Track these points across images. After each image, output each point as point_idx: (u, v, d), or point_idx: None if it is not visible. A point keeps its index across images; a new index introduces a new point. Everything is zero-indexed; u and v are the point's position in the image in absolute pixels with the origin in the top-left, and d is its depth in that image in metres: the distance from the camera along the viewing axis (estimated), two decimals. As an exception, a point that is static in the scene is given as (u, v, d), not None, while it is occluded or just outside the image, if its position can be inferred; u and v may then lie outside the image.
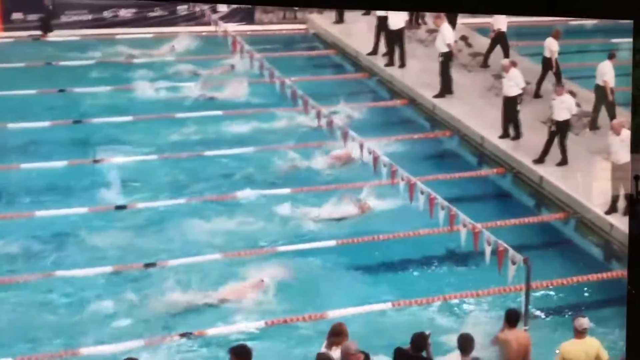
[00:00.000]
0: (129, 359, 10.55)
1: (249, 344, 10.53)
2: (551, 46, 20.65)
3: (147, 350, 12.67)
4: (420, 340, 10.59)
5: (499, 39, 22.28)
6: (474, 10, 20.64)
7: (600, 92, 18.77)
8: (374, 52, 23.68)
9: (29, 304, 13.67)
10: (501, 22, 22.28)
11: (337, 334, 10.69)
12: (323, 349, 10.65)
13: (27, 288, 13.98)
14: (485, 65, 23.25)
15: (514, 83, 18.44)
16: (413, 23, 24.82)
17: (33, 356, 12.49)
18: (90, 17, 25.90)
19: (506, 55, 21.56)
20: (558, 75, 20.85)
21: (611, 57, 19.00)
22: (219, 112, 20.20)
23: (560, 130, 17.28)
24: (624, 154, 15.42)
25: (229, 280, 14.24)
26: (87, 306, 13.66)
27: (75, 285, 14.14)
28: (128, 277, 14.34)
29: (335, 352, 10.44)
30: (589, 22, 25.31)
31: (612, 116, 18.76)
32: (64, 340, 12.92)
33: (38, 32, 25.02)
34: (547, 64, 20.71)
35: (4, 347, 12.60)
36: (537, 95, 20.69)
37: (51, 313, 13.55)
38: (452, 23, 22.26)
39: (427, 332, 10.71)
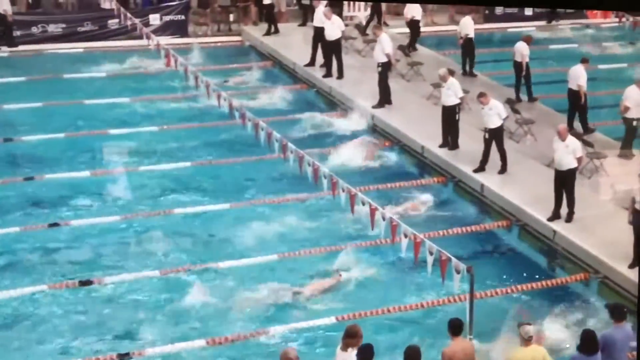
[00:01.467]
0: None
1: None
2: (522, 50, 20.93)
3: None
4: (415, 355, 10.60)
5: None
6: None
7: (574, 96, 19.06)
8: (312, 63, 23.70)
9: None
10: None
11: (352, 335, 10.63)
12: (338, 351, 10.59)
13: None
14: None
15: (452, 92, 18.52)
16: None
17: None
18: (19, 32, 25.65)
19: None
20: (528, 79, 21.14)
21: (584, 61, 19.30)
22: (154, 128, 20.07)
23: (494, 137, 17.37)
24: (569, 160, 15.53)
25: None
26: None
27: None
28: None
29: (351, 354, 10.41)
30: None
31: (583, 121, 19.07)
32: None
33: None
34: (518, 68, 21.00)
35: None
36: (531, 99, 21.09)
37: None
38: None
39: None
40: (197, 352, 12.68)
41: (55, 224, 15.86)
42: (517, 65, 21.06)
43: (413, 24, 25.01)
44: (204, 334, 13.03)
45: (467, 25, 22.85)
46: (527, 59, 20.98)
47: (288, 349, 10.45)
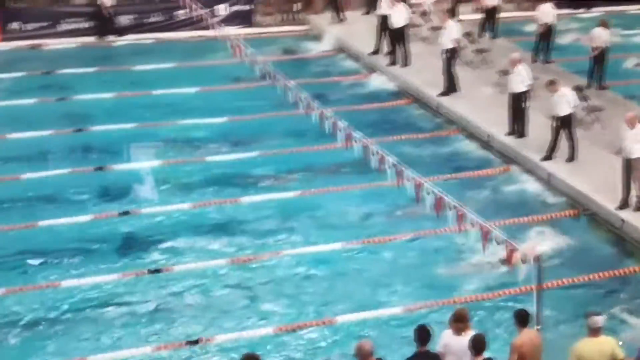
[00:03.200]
0: None
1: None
2: (601, 36, 20.62)
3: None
4: (425, 334, 10.49)
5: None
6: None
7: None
8: (377, 51, 23.59)
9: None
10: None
11: (462, 319, 10.53)
12: (448, 335, 10.49)
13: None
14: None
15: (520, 79, 18.27)
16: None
17: None
18: (87, 24, 25.95)
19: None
20: (602, 66, 20.79)
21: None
22: (224, 119, 20.13)
23: (563, 125, 17.13)
24: (637, 148, 15.25)
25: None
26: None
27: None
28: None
29: (463, 339, 10.32)
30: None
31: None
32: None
33: (36, 42, 25.12)
34: (599, 54, 20.67)
35: None
36: (602, 86, 20.78)
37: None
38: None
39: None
40: (268, 340, 12.68)
41: (126, 212, 15.98)
42: (597, 51, 20.67)
43: (490, 11, 24.69)
44: (275, 322, 13.06)
45: (547, 13, 22.54)
46: (605, 45, 20.61)
47: (363, 342, 10.39)
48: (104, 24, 25.82)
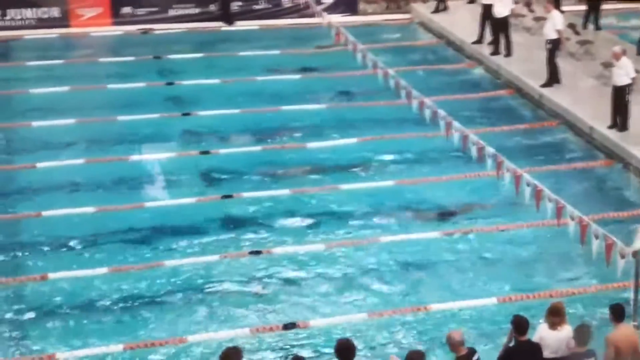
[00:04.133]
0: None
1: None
2: None
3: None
4: (525, 324, 10.38)
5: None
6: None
7: None
8: (479, 41, 23.34)
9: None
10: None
11: (558, 313, 10.47)
12: (544, 329, 10.43)
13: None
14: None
15: (624, 72, 17.86)
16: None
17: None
18: (197, 10, 26.26)
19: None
20: None
21: None
22: (324, 106, 20.15)
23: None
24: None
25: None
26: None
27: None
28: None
29: (562, 333, 10.26)
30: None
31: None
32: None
33: (146, 27, 25.54)
34: None
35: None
36: None
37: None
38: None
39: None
40: (363, 325, 12.71)
41: (229, 196, 16.16)
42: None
43: (594, 2, 24.19)
44: (369, 307, 13.08)
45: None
46: None
47: (454, 332, 10.33)
48: (219, 10, 26.08)
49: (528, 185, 14.55)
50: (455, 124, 16.94)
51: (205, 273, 13.95)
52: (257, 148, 18.17)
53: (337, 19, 25.14)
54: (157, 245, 14.77)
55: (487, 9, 22.58)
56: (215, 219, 15.53)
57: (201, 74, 21.81)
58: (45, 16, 25.69)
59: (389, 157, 17.89)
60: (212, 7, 26.18)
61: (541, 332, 10.46)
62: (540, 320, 10.64)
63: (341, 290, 13.64)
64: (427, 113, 17.88)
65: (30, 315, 12.94)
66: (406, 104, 18.66)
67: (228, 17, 26.05)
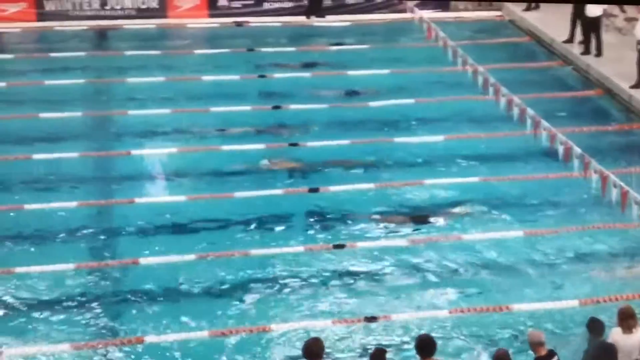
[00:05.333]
0: None
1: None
2: None
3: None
4: (601, 326, 10.25)
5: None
6: None
7: None
8: (570, 40, 22.96)
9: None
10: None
11: (631, 315, 10.36)
12: (617, 333, 10.33)
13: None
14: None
15: None
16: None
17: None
18: (291, 4, 26.35)
19: None
20: None
21: None
22: (412, 100, 20.05)
23: None
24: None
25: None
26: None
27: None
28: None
29: (633, 336, 10.15)
30: None
31: None
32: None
33: (241, 19, 25.75)
34: None
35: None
36: None
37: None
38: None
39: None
40: (442, 321, 12.64)
41: (315, 189, 16.21)
42: None
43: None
44: (450, 304, 13.00)
45: None
46: None
47: (534, 332, 10.23)
48: (311, 4, 26.13)
49: (615, 186, 14.30)
50: (544, 122, 16.70)
51: (289, 263, 14.02)
52: (346, 141, 18.13)
53: (428, 14, 25.01)
54: (242, 234, 14.88)
55: (579, 8, 22.17)
56: (301, 211, 15.58)
57: (293, 67, 21.87)
58: (144, 7, 26.07)
59: (474, 154, 17.69)
60: (305, 1, 26.23)
61: (614, 336, 10.30)
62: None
63: (423, 286, 13.59)
64: (515, 111, 17.67)
65: (121, 298, 13.20)
66: (494, 101, 18.47)
67: (320, 11, 26.08)
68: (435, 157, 17.62)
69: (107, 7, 25.83)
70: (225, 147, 17.79)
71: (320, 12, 26.08)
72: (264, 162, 17.16)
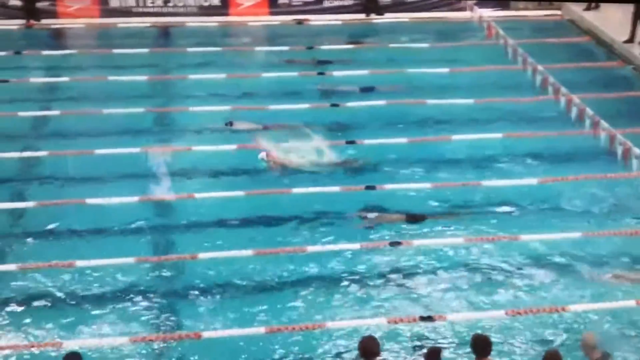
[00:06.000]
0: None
1: None
2: None
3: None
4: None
5: None
6: None
7: None
8: (630, 40, 22.56)
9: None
10: None
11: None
12: None
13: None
14: None
15: None
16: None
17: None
18: (351, 2, 26.30)
19: None
20: None
21: None
22: (470, 100, 19.85)
23: None
24: None
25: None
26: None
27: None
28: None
29: None
30: None
31: None
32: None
33: (301, 17, 25.74)
34: None
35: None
36: None
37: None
38: None
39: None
40: (497, 321, 12.49)
41: (372, 187, 16.11)
42: None
43: None
44: (504, 305, 12.85)
45: None
46: None
47: (587, 334, 10.07)
48: (370, 2, 26.05)
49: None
50: (602, 122, 16.43)
51: (346, 261, 13.96)
52: (403, 139, 18.01)
53: (488, 13, 24.76)
54: (299, 231, 14.86)
55: (640, 8, 21.79)
56: (357, 208, 15.48)
57: (350, 65, 21.78)
58: (206, 4, 26.18)
59: (532, 154, 17.45)
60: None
61: None
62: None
63: (479, 285, 13.44)
64: (574, 111, 17.41)
65: (179, 293, 13.27)
66: (553, 100, 18.22)
67: (379, 9, 25.96)
68: (493, 156, 17.42)
69: (170, 5, 25.98)
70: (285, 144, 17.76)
71: (379, 10, 25.96)
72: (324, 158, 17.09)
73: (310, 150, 16.87)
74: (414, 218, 15.18)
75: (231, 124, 18.11)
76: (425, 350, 10.93)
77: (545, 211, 15.42)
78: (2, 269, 13.69)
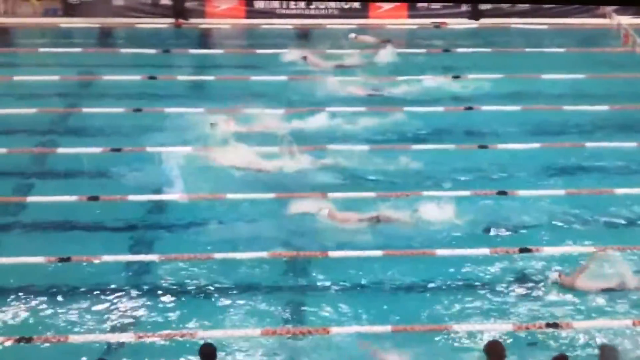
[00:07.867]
0: None
1: None
2: None
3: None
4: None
5: None
6: None
7: None
8: None
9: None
10: None
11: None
12: None
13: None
14: None
15: None
16: None
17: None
18: (489, 6, 25.89)
19: None
20: None
21: None
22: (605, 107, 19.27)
23: None
24: None
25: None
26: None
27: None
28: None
29: None
30: None
31: None
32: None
33: (439, 20, 25.54)
34: None
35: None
36: None
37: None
38: None
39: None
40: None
41: (503, 192, 15.84)
42: None
43: None
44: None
45: None
46: None
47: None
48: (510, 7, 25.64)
49: None
50: None
51: (474, 265, 13.77)
52: (537, 145, 17.62)
53: (627, 20, 24.01)
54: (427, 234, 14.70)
55: None
56: (487, 213, 15.24)
57: (486, 69, 21.45)
58: (347, 7, 26.20)
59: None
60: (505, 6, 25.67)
61: None
62: None
63: (608, 294, 13.04)
64: None
65: (309, 288, 13.36)
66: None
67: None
68: (629, 165, 16.88)
69: (312, 7, 26.12)
70: (416, 147, 17.62)
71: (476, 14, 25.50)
72: None
73: None
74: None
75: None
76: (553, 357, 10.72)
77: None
78: (146, 259, 14.02)
